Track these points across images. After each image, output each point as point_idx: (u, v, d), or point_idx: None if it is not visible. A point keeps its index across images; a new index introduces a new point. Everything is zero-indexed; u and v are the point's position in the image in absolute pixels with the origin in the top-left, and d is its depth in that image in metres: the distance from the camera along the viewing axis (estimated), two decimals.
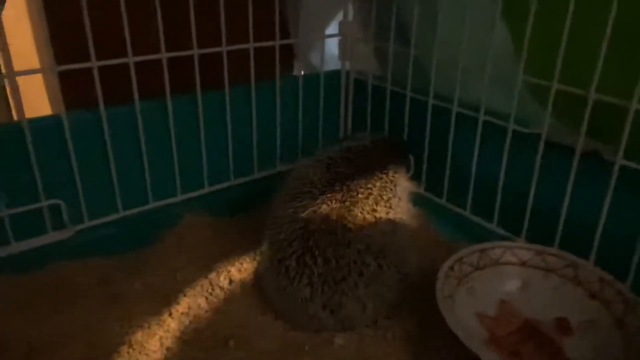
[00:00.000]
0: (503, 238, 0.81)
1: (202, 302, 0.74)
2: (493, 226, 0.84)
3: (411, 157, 0.95)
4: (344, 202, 0.69)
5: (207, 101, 0.88)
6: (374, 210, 0.70)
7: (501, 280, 0.72)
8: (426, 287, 0.76)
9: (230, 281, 0.79)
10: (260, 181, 0.98)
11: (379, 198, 0.71)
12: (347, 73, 1.04)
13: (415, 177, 0.94)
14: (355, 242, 0.67)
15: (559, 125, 0.74)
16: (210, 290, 0.76)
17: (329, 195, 0.69)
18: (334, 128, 1.07)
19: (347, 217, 0.68)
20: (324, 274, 0.66)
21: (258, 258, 0.82)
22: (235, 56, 0.87)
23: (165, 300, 0.73)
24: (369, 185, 0.72)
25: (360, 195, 0.70)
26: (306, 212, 0.68)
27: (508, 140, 0.78)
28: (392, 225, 0.71)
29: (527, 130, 0.76)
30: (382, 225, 0.70)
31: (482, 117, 0.81)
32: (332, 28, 1.04)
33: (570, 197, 0.72)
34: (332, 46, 1.03)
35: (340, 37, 1.01)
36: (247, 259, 0.83)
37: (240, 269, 0.82)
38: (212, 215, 0.91)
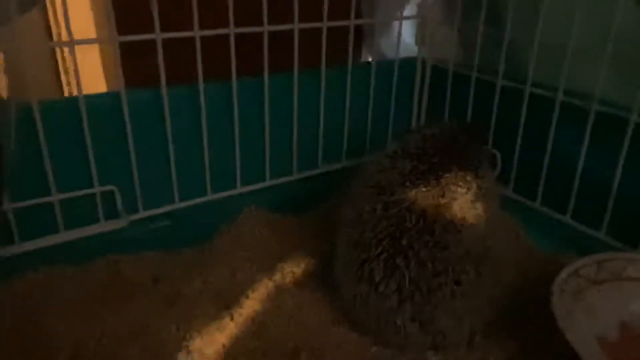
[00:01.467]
0: (614, 250, 0.69)
1: (267, 306, 0.65)
2: (601, 235, 0.72)
3: (498, 153, 0.84)
4: (442, 196, 0.59)
5: (274, 85, 0.79)
6: (474, 209, 0.59)
7: (623, 299, 0.60)
8: (521, 303, 0.65)
9: (297, 284, 0.70)
10: (324, 177, 0.89)
11: (478, 194, 0.61)
12: (423, 60, 0.94)
13: (502, 177, 0.83)
14: (455, 245, 0.57)
15: None
16: (275, 293, 0.67)
17: (424, 189, 0.59)
18: (406, 121, 0.97)
19: (446, 215, 0.58)
20: (417, 279, 0.56)
21: (333, 259, 0.73)
22: (300, 37, 0.78)
23: (225, 302, 0.64)
24: (468, 179, 0.61)
25: (460, 189, 0.60)
26: (399, 207, 0.58)
27: (628, 136, 0.66)
28: (491, 228, 0.61)
29: None
30: (481, 228, 0.59)
31: (594, 107, 0.69)
32: (408, 10, 0.95)
33: None
34: (404, 31, 0.93)
35: (418, 19, 0.91)
36: (314, 261, 0.74)
37: (307, 271, 0.73)
38: (273, 210, 0.83)
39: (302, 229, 0.82)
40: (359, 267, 0.60)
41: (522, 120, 0.79)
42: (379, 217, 0.59)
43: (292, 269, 0.72)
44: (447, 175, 0.60)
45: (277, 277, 0.70)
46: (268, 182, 0.85)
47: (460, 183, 0.60)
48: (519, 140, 0.80)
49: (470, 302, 0.58)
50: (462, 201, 0.59)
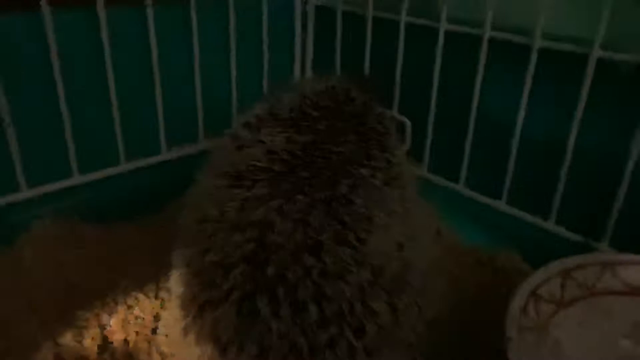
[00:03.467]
0: (573, 245, 0.50)
1: None
2: (550, 225, 0.52)
3: (407, 121, 0.61)
4: (334, 184, 0.35)
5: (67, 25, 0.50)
6: (384, 200, 0.36)
7: (601, 324, 0.40)
8: (455, 335, 0.44)
9: (105, 347, 0.43)
10: (171, 166, 0.62)
11: (389, 176, 0.37)
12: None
13: (413, 153, 0.61)
14: (355, 268, 0.33)
15: None
16: None
17: (304, 174, 0.35)
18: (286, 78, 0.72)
19: (342, 216, 0.33)
20: (292, 335, 0.31)
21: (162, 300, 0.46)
22: None
23: None
24: (374, 153, 0.38)
25: (363, 171, 0.36)
26: (264, 208, 0.33)
27: (589, 77, 0.46)
28: (411, 230, 0.37)
29: (625, 57, 0.44)
30: (396, 231, 0.36)
31: (537, 43, 0.48)
32: None
33: None
34: None
35: None
36: (143, 300, 0.48)
37: (125, 319, 0.46)
38: (86, 219, 0.57)
39: (133, 245, 0.55)
40: (196, 315, 0.34)
41: (437, 71, 0.57)
42: (231, 227, 0.34)
43: (98, 317, 0.45)
44: (341, 149, 0.37)
45: (65, 339, 0.42)
46: (76, 179, 0.56)
47: (363, 161, 0.37)
48: (433, 102, 0.58)
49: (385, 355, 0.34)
50: (367, 190, 0.35)
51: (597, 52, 0.45)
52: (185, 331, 0.36)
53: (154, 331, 0.46)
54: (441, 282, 0.43)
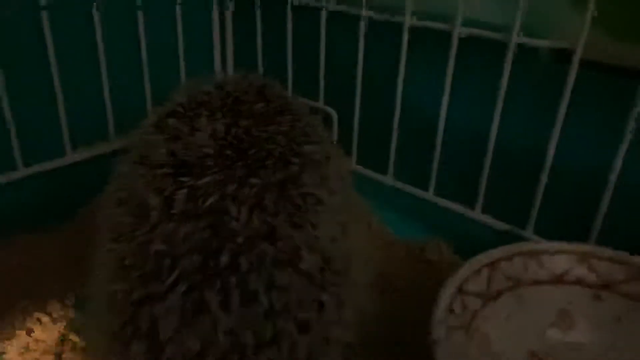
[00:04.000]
0: (499, 234, 0.49)
1: None
2: (476, 213, 0.51)
3: (333, 112, 0.59)
4: (287, 167, 0.33)
5: None
6: (327, 181, 0.35)
7: (528, 315, 0.39)
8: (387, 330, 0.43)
9: None
10: (79, 169, 0.56)
11: (327, 157, 0.36)
12: None
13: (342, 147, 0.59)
14: (309, 256, 0.32)
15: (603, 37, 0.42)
16: None
17: (257, 157, 0.33)
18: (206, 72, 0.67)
19: (297, 200, 0.32)
20: (238, 330, 0.30)
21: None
22: None
23: None
24: (310, 130, 0.37)
25: (308, 148, 0.35)
26: (216, 196, 0.31)
27: (508, 63, 0.45)
28: (351, 214, 0.37)
29: (544, 44, 0.44)
30: (340, 214, 0.35)
31: (458, 30, 0.47)
32: None
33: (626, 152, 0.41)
34: None
35: None
36: (46, 321, 0.43)
37: (25, 346, 0.41)
38: None
39: (34, 260, 0.49)
40: (132, 314, 0.31)
41: (360, 58, 0.55)
42: (180, 216, 0.31)
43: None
44: (283, 128, 0.36)
45: None
46: None
47: (307, 138, 0.36)
48: (358, 93, 0.56)
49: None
50: (314, 168, 0.34)
51: (516, 38, 0.44)
52: (114, 337, 0.32)
53: (59, 356, 0.41)
54: (373, 276, 0.41)
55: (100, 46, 0.56)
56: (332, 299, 0.33)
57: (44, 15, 0.51)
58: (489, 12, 0.48)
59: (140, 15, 0.58)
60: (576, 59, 0.42)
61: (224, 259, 0.30)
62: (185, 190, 0.32)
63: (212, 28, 0.66)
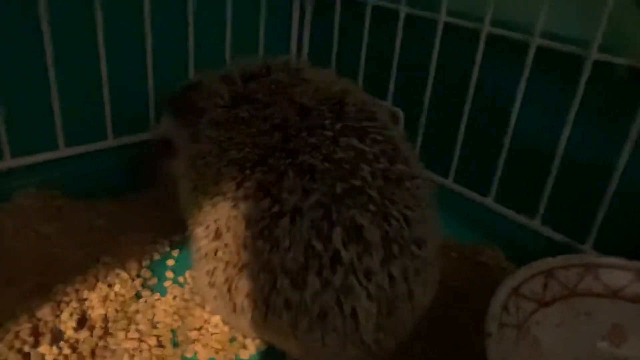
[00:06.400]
0: (556, 245, 0.50)
1: None
2: (536, 223, 0.52)
3: (400, 112, 0.61)
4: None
5: None
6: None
7: (580, 325, 0.40)
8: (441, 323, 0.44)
9: (84, 322, 0.42)
10: None
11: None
12: None
13: None
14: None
15: None
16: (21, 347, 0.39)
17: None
18: None
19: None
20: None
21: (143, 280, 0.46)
22: None
23: None
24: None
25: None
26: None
27: (584, 77, 0.46)
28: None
29: (621, 62, 0.44)
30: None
31: (536, 41, 0.48)
32: None
33: None
34: None
35: None
36: (124, 278, 0.47)
37: (105, 296, 0.45)
38: (68, 193, 0.56)
39: (115, 223, 0.54)
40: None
41: (433, 64, 0.56)
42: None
43: (77, 293, 0.44)
44: None
45: (45, 312, 0.41)
46: (62, 152, 0.55)
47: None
48: (428, 95, 0.58)
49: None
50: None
51: (594, 55, 0.45)
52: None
53: (134, 309, 0.45)
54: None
55: (191, 43, 0.60)
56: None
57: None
58: (567, 25, 0.48)
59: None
60: None
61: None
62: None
63: (292, 21, 0.69)
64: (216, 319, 0.44)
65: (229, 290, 0.36)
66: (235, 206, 0.35)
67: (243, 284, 0.35)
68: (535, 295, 0.39)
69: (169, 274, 0.50)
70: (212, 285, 0.37)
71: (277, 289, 0.33)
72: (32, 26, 0.50)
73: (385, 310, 0.34)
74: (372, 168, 0.34)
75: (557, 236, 0.51)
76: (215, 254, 0.36)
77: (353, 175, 0.34)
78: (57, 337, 0.40)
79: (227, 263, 0.36)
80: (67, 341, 0.40)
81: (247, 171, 0.35)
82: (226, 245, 0.36)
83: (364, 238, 0.33)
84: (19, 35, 0.50)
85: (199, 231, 0.38)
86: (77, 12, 0.52)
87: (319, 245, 0.32)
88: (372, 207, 0.33)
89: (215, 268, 0.37)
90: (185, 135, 0.44)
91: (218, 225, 0.36)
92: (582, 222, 0.49)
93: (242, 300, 0.35)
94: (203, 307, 0.45)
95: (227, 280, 0.36)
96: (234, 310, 0.36)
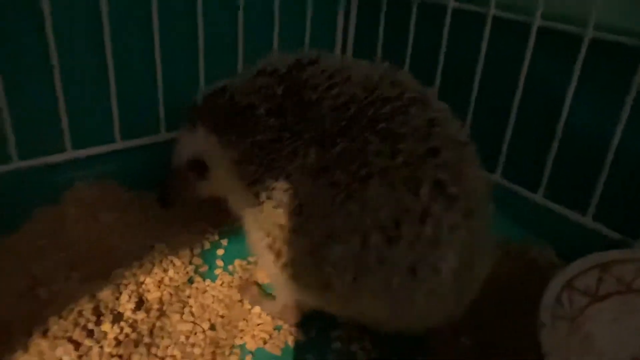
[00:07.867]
0: (609, 243, 0.49)
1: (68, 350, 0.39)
2: (588, 220, 0.51)
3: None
4: None
5: None
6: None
7: (636, 321, 0.39)
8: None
9: (141, 304, 0.44)
10: None
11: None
12: None
13: None
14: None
15: None
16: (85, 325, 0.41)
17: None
18: None
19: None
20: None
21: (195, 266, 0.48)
22: None
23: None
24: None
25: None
26: None
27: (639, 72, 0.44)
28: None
29: None
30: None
31: (590, 34, 0.47)
32: None
33: None
34: None
35: None
36: (178, 264, 0.49)
37: (160, 280, 0.47)
38: (126, 185, 0.59)
39: (169, 214, 0.56)
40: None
41: (482, 56, 0.56)
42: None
43: (136, 277, 0.46)
44: None
45: (106, 294, 0.44)
46: (118, 144, 0.57)
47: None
48: (475, 90, 0.57)
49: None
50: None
51: None
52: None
53: (187, 294, 0.47)
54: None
55: (241, 38, 0.62)
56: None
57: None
58: (621, 16, 0.47)
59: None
60: None
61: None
62: None
63: (337, 16, 0.70)
64: (257, 309, 0.46)
65: (315, 262, 0.37)
66: (316, 178, 0.37)
67: (332, 251, 0.36)
68: (588, 290, 0.38)
69: (219, 262, 0.51)
70: (297, 261, 0.38)
71: (370, 247, 0.35)
72: (95, 28, 0.52)
73: (465, 264, 0.35)
74: (443, 132, 0.37)
75: (610, 233, 0.49)
76: (300, 229, 0.38)
77: (430, 138, 0.36)
78: (117, 317, 0.42)
79: (312, 235, 0.37)
80: (126, 321, 0.42)
81: (328, 144, 0.37)
82: (309, 217, 0.37)
83: (448, 193, 0.35)
84: (80, 34, 0.53)
85: (275, 214, 0.39)
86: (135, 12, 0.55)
87: (409, 201, 0.34)
88: (450, 166, 0.36)
89: (300, 244, 0.38)
90: (230, 137, 0.43)
91: (300, 201, 0.38)
92: (636, 219, 0.47)
93: (330, 268, 0.36)
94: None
95: (312, 251, 0.37)
96: (323, 280, 0.37)
